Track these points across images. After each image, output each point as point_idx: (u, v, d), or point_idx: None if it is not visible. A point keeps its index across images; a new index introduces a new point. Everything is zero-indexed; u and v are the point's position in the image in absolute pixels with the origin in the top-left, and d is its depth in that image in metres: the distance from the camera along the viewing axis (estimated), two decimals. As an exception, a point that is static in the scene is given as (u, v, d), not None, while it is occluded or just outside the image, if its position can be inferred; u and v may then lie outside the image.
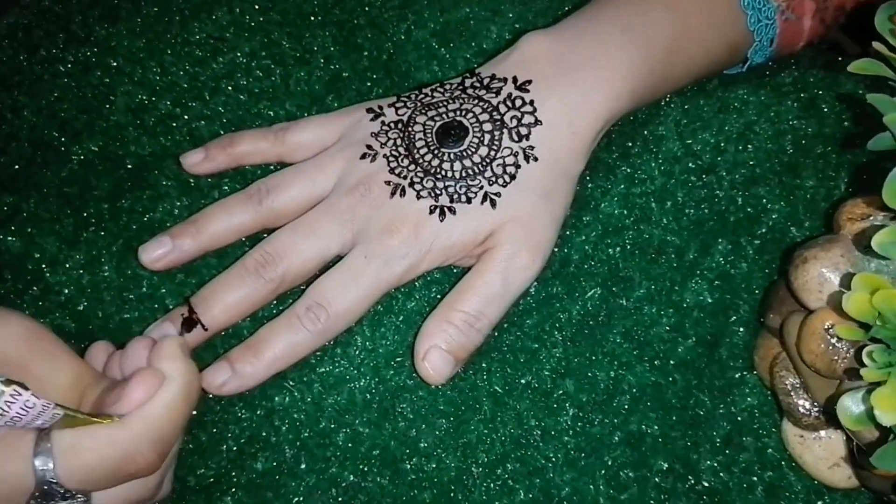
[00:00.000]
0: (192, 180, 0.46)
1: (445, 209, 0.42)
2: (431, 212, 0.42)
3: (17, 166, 0.46)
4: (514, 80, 0.44)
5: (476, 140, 0.43)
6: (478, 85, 0.45)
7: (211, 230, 0.43)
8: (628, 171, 0.46)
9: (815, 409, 0.37)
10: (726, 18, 0.46)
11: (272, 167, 0.46)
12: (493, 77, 0.44)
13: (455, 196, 0.42)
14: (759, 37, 0.47)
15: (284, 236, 0.42)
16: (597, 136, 0.44)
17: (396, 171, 0.42)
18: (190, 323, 0.40)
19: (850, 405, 0.29)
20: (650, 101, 0.47)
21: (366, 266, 0.41)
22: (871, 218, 0.36)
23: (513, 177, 0.42)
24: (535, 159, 0.42)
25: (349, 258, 0.41)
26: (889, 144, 0.30)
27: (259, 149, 0.46)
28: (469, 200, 0.42)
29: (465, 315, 0.40)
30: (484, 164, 0.42)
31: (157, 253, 0.43)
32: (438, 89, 0.45)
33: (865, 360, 0.27)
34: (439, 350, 0.40)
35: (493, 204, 0.42)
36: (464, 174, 0.42)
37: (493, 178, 0.42)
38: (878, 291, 0.26)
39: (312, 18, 0.52)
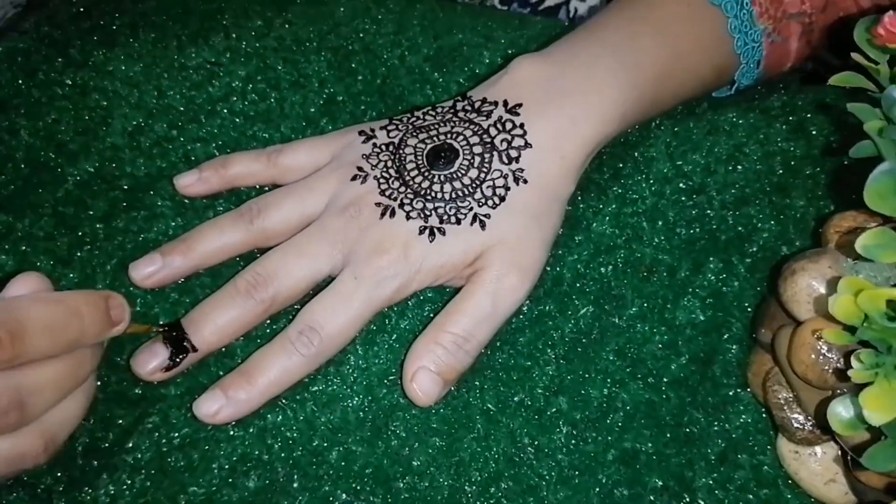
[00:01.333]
0: (186, 201, 0.46)
1: (435, 230, 0.42)
2: (421, 232, 0.42)
3: (12, 186, 0.46)
4: (505, 103, 0.44)
5: (466, 162, 0.43)
6: (468, 108, 0.45)
7: (201, 248, 0.43)
8: (619, 191, 0.47)
9: (809, 422, 0.37)
10: (714, 42, 0.47)
11: (266, 189, 0.46)
12: (483, 100, 0.45)
13: (445, 217, 0.42)
14: (745, 59, 0.47)
15: (275, 257, 0.42)
16: (586, 159, 0.45)
17: (387, 193, 0.43)
18: (179, 343, 0.40)
19: (841, 410, 0.29)
20: (640, 122, 0.48)
21: (356, 287, 0.41)
22: (859, 231, 0.36)
23: (502, 198, 0.42)
24: (525, 182, 0.43)
25: (339, 280, 0.41)
26: (870, 151, 0.30)
27: (252, 171, 0.46)
28: (458, 221, 0.42)
29: (453, 336, 0.40)
30: (474, 185, 0.43)
31: (148, 270, 0.43)
32: (430, 112, 0.46)
33: (853, 362, 0.27)
34: (427, 371, 0.40)
35: (483, 225, 0.42)
36: (453, 195, 0.42)
37: (483, 200, 0.42)
38: (862, 292, 0.26)
39: (308, 44, 0.52)
